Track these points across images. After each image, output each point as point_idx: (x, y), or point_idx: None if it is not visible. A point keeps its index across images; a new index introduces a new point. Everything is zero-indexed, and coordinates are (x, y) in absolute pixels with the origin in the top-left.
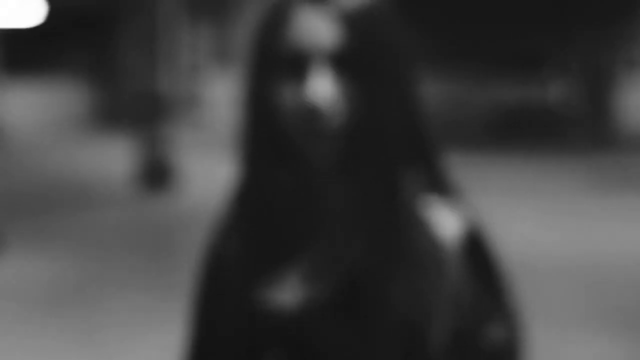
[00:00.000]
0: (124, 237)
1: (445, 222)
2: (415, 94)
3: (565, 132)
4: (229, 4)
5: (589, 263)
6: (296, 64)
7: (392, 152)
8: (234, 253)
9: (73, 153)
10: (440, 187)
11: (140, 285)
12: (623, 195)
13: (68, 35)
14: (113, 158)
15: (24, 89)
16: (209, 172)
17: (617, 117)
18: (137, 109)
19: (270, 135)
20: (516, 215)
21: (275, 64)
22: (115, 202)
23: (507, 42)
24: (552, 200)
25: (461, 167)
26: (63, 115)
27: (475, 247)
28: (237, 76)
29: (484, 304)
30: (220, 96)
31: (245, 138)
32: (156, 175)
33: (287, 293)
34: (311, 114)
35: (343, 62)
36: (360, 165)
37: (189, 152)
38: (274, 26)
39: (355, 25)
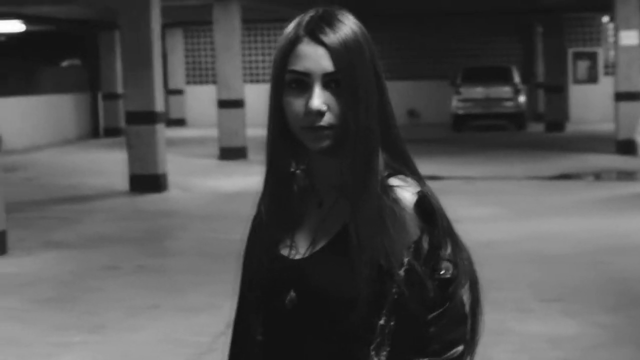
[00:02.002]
0: (118, 228)
1: (403, 190)
2: (386, 99)
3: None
4: None
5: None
6: (303, 82)
7: (370, 141)
8: (261, 219)
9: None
10: (404, 166)
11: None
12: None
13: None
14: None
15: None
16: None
17: None
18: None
19: (283, 130)
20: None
21: (287, 81)
22: (112, 201)
23: None
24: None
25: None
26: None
27: (424, 208)
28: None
29: (434, 248)
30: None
31: (268, 137)
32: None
33: (300, 245)
34: (314, 114)
35: (334, 80)
36: (347, 149)
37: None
38: (285, 55)
39: (340, 53)
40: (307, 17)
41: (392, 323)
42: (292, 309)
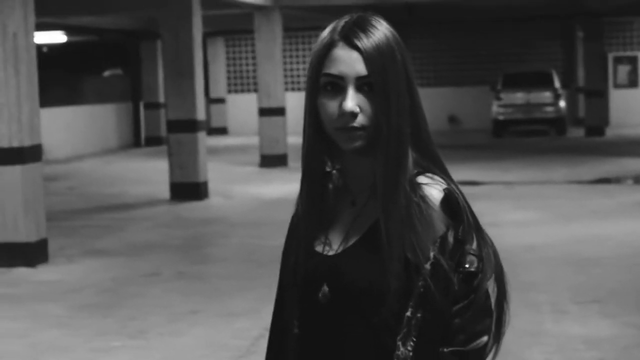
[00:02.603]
0: (160, 236)
1: (431, 188)
2: (417, 102)
3: None
4: None
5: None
6: (337, 85)
7: (401, 142)
8: (298, 217)
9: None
10: (432, 165)
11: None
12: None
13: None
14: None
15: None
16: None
17: None
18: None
19: (318, 131)
20: None
21: (322, 84)
22: (153, 209)
23: None
24: None
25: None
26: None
27: (450, 205)
28: None
29: (459, 243)
30: None
31: (303, 138)
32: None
33: (334, 241)
34: (348, 116)
35: (367, 83)
36: (379, 150)
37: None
38: (321, 58)
39: (374, 57)
40: (342, 22)
41: (418, 315)
42: (326, 304)
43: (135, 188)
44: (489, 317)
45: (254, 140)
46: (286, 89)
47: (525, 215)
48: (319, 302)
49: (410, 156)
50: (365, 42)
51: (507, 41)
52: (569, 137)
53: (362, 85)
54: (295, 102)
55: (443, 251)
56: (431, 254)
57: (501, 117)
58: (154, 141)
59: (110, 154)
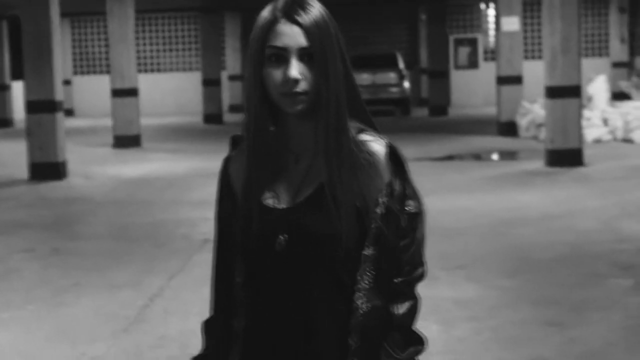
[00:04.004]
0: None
1: (375, 144)
2: (349, 70)
3: None
4: None
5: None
6: (281, 55)
7: (339, 105)
8: (240, 172)
9: None
10: (368, 127)
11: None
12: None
13: None
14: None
15: None
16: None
17: None
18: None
19: (263, 97)
20: None
21: (267, 55)
22: (14, 189)
23: None
24: None
25: None
26: None
27: (394, 157)
28: None
29: (404, 189)
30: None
31: (247, 100)
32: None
33: (282, 196)
34: (292, 82)
35: (307, 53)
36: (320, 112)
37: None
38: (265, 33)
39: (313, 31)
40: (281, 1)
41: (374, 252)
42: (281, 252)
43: None
44: (423, 250)
45: (103, 121)
46: (138, 71)
47: None
48: (274, 251)
49: (348, 119)
50: (305, 18)
51: (354, 24)
52: (414, 116)
53: (303, 55)
54: (147, 84)
55: (391, 196)
56: (380, 200)
57: None
58: (1, 123)
59: None
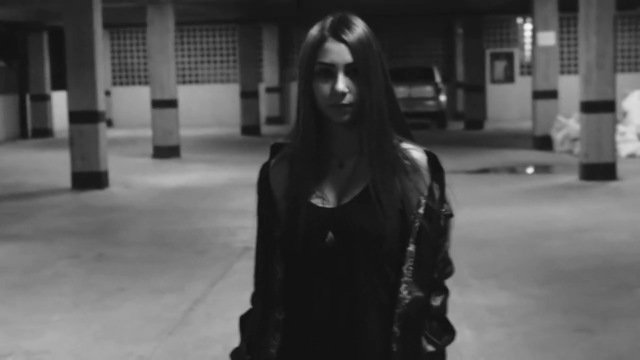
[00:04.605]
0: (71, 222)
1: (416, 151)
2: (389, 82)
3: None
4: None
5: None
6: (329, 71)
7: (381, 115)
8: (280, 178)
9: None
10: (406, 136)
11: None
12: None
13: None
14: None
15: None
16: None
17: None
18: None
19: (311, 108)
20: None
21: (316, 71)
22: (57, 198)
23: None
24: None
25: None
26: None
27: (434, 163)
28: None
29: (442, 192)
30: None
31: (297, 110)
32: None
33: (328, 197)
34: (339, 95)
35: (352, 69)
36: (364, 121)
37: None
38: (314, 50)
39: (357, 48)
40: (328, 21)
41: (417, 248)
42: (330, 247)
43: (33, 178)
44: (449, 249)
45: (141, 132)
46: (177, 82)
47: None
48: (324, 247)
49: (390, 127)
50: (350, 36)
51: (391, 37)
52: (449, 130)
53: (349, 70)
54: (186, 95)
55: (432, 198)
56: (422, 201)
57: None
58: (41, 133)
59: None
